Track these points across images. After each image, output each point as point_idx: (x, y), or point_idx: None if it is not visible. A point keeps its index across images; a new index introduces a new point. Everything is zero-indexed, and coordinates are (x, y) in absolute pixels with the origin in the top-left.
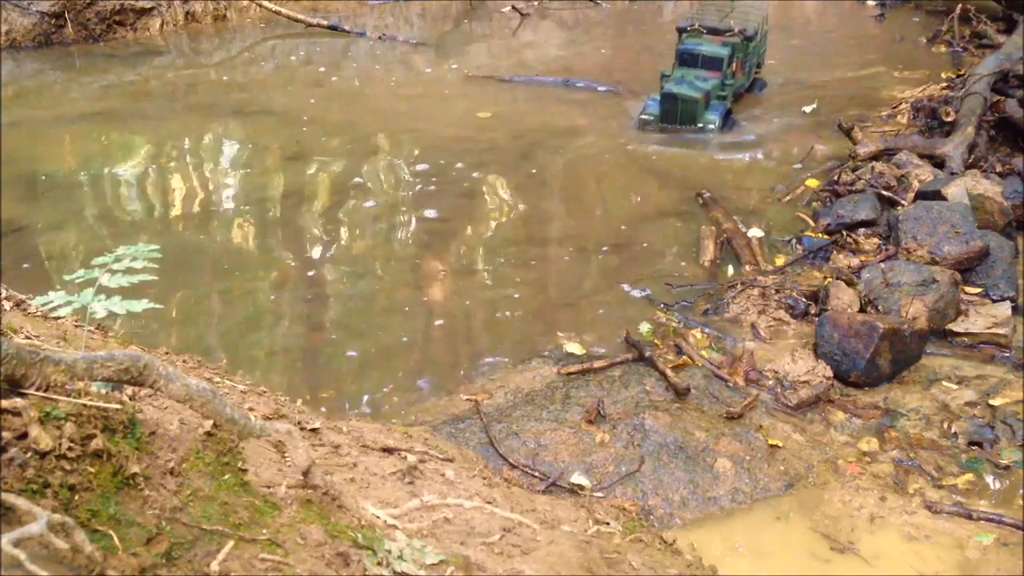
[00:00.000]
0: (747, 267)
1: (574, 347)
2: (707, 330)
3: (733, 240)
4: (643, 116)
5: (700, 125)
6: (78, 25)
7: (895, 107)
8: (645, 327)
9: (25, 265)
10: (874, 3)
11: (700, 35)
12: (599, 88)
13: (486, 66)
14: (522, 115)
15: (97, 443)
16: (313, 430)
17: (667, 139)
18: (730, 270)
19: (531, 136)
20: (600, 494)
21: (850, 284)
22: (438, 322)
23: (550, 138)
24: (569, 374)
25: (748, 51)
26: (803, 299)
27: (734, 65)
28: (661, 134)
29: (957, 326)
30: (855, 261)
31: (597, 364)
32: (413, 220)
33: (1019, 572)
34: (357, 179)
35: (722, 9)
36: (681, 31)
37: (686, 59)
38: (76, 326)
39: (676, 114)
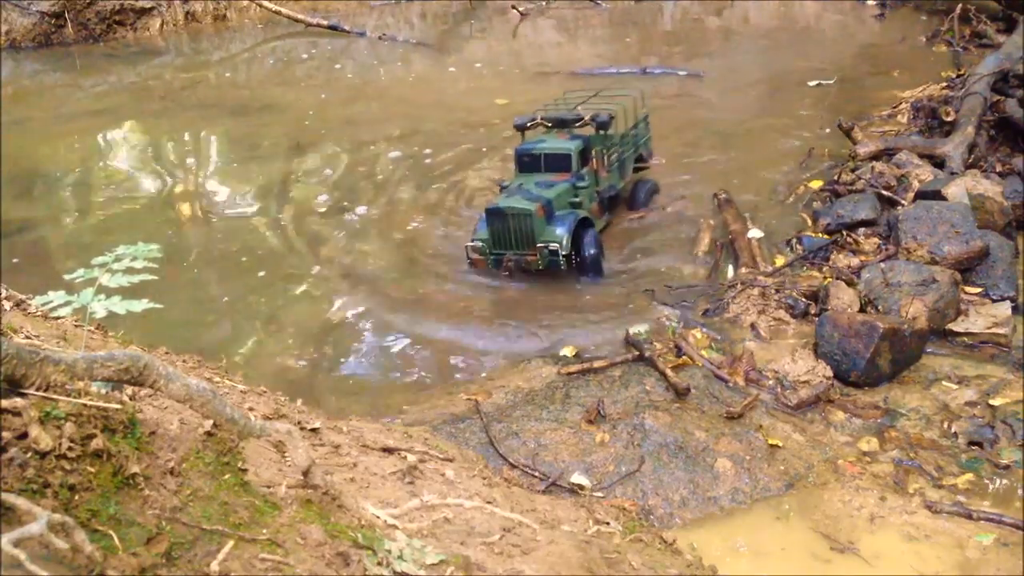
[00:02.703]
0: (743, 268)
1: (565, 350)
2: (707, 330)
3: (736, 241)
4: (470, 245)
5: (543, 245)
6: (78, 25)
7: (895, 107)
8: (645, 327)
9: (23, 263)
10: (874, 3)
11: (545, 131)
12: (679, 73)
13: (486, 62)
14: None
15: (97, 443)
16: (313, 430)
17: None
18: (730, 270)
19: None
20: (600, 494)
21: (850, 284)
22: (435, 320)
23: None
24: (569, 374)
25: (612, 143)
26: (803, 299)
27: (592, 163)
28: (494, 272)
29: (957, 326)
30: (855, 261)
31: (597, 364)
32: (413, 218)
33: (1019, 572)
34: (365, 167)
35: (577, 99)
36: (521, 129)
37: (526, 163)
38: (76, 326)
39: (509, 237)
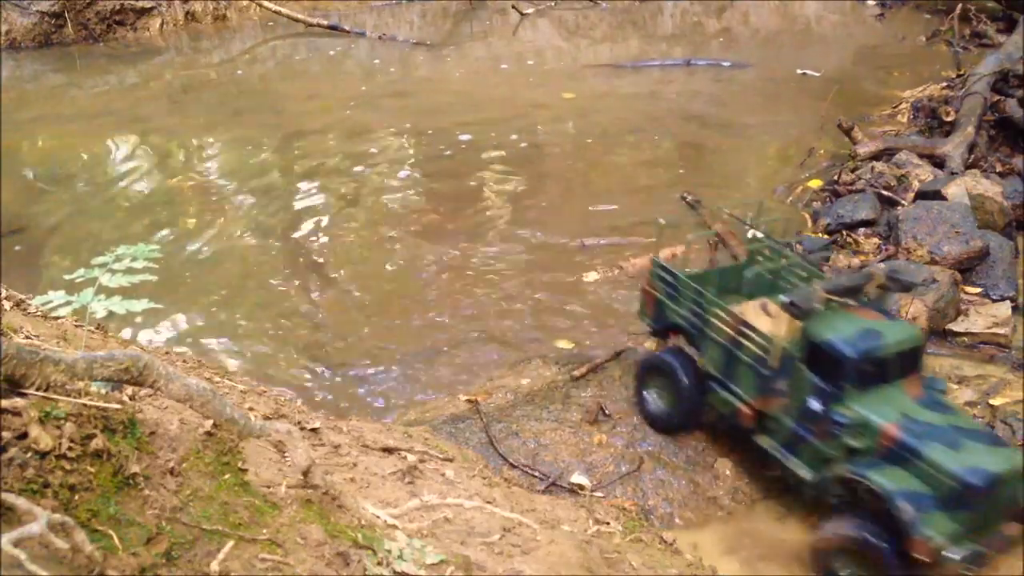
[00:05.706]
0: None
1: (563, 343)
2: None
3: (727, 241)
4: (948, 556)
5: None
6: (78, 25)
7: (895, 107)
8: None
9: (25, 263)
10: (874, 3)
11: (844, 308)
12: (723, 64)
13: (483, 60)
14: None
15: (97, 443)
16: (313, 430)
17: None
18: None
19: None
20: (600, 494)
21: None
22: (435, 318)
23: None
24: (577, 377)
25: None
26: None
27: None
28: None
29: (957, 326)
30: (855, 261)
31: (598, 361)
32: (419, 214)
33: (1019, 572)
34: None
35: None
36: (805, 315)
37: (868, 373)
38: (76, 326)
39: (992, 516)
